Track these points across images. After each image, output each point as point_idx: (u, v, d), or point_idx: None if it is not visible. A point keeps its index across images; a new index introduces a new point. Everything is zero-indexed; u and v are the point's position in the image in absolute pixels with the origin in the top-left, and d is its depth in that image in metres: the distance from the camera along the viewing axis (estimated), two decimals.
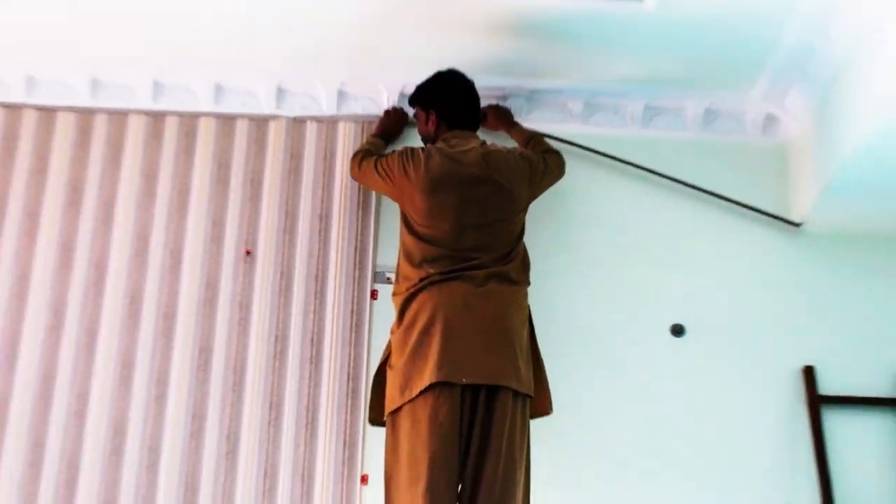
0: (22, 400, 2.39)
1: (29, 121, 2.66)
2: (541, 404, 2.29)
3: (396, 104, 2.61)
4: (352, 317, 2.50)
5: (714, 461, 2.43)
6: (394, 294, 2.33)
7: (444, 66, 2.43)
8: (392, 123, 2.59)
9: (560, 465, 2.38)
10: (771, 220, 2.62)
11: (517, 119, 2.62)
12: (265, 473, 2.36)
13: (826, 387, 2.46)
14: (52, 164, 2.62)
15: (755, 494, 2.41)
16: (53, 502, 2.31)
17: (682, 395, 2.48)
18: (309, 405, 2.43)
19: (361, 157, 2.47)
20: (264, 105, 2.62)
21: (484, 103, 2.56)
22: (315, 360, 2.47)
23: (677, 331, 2.49)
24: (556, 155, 2.50)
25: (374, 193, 2.57)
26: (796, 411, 2.45)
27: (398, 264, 2.34)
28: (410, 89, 2.50)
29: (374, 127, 2.62)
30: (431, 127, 2.45)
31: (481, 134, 2.49)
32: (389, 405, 2.20)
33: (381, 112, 2.64)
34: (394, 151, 2.40)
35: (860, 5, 2.10)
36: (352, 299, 2.52)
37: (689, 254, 2.62)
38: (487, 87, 2.56)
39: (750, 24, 2.30)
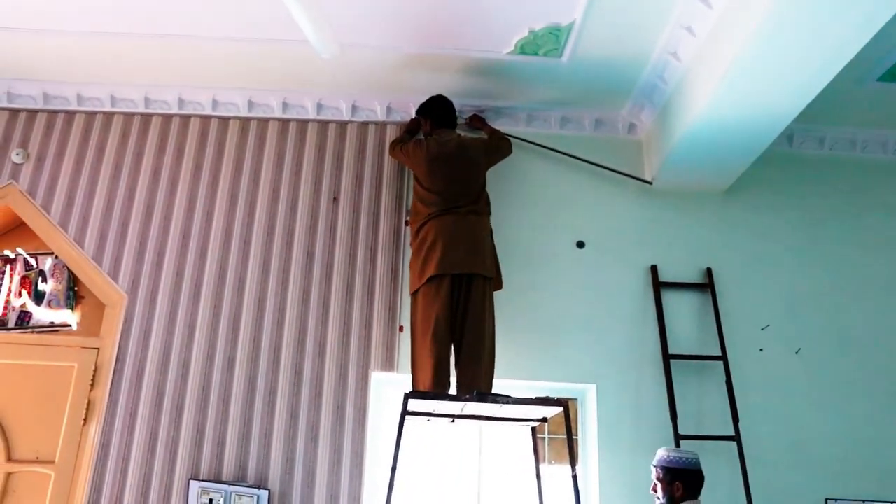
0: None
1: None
2: (497, 283, 3.73)
3: (414, 114, 4.19)
4: (394, 238, 4.09)
5: (601, 319, 3.99)
6: (411, 223, 3.79)
7: (437, 92, 4.01)
8: (413, 124, 4.16)
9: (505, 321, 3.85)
10: (634, 180, 4.21)
11: (488, 122, 4.25)
12: (343, 324, 3.93)
13: (664, 277, 4.08)
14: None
15: (625, 335, 3.96)
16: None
17: (581, 281, 4.07)
18: (367, 285, 4.01)
19: (396, 143, 4.07)
20: (345, 114, 4.25)
21: (468, 114, 4.21)
22: (372, 261, 4.05)
23: (580, 245, 4.16)
24: (507, 140, 4.03)
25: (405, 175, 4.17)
26: (647, 291, 4.07)
27: (413, 206, 3.81)
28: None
29: (404, 126, 4.22)
30: (427, 127, 4.02)
31: (465, 130, 4.11)
32: (412, 287, 3.64)
33: (408, 118, 4.23)
34: (412, 139, 4.01)
35: (680, 63, 3.67)
36: (393, 231, 4.11)
37: (586, 201, 4.19)
38: (468, 104, 4.21)
39: (621, 71, 3.90)
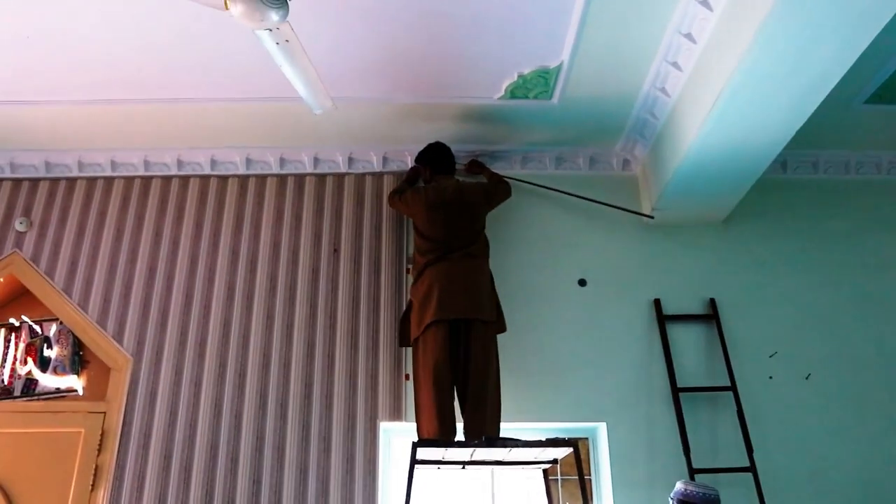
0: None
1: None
2: (500, 326, 3.72)
3: (412, 163, 4.24)
4: (396, 287, 4.11)
5: (607, 356, 3.97)
6: (411, 271, 3.85)
7: (432, 140, 4.07)
8: (412, 173, 4.20)
9: (510, 363, 3.87)
10: (632, 216, 4.23)
11: (486, 165, 4.27)
12: (349, 375, 3.92)
13: (667, 310, 4.08)
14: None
15: (633, 371, 3.94)
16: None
17: (584, 319, 4.07)
18: (371, 335, 4.00)
19: (395, 193, 4.10)
20: (342, 167, 4.31)
21: (466, 159, 4.25)
22: (375, 310, 4.06)
23: (582, 283, 4.17)
24: (505, 184, 4.07)
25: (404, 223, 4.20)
26: (652, 326, 4.07)
27: (413, 254, 3.85)
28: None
29: (402, 175, 4.27)
30: (426, 174, 4.09)
31: (464, 176, 4.16)
32: (413, 334, 3.63)
33: (405, 167, 4.29)
34: (411, 188, 4.07)
35: (669, 98, 3.72)
36: (395, 279, 4.13)
37: (585, 239, 4.22)
38: (464, 150, 4.26)
39: (612, 108, 3.95)
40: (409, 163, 4.25)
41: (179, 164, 4.35)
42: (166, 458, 3.77)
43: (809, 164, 4.45)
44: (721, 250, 4.26)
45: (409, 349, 3.82)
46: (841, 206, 4.40)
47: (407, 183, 4.13)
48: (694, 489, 3.02)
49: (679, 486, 3.07)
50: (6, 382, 4.07)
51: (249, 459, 3.77)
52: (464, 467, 3.45)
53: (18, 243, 4.21)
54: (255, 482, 3.73)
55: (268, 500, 3.69)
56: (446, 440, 3.20)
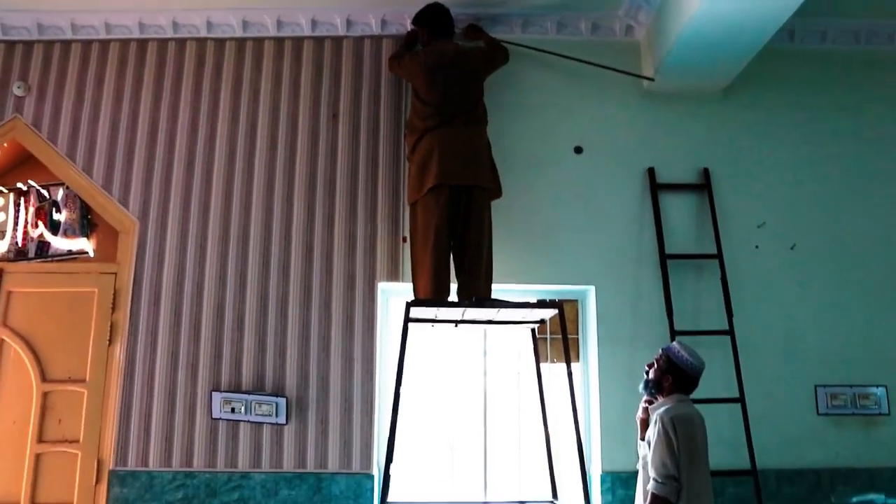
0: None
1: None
2: (496, 192, 3.79)
3: (410, 27, 4.14)
4: (394, 151, 4.15)
5: (599, 222, 4.06)
6: (407, 137, 3.84)
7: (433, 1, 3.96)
8: (410, 37, 4.12)
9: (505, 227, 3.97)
10: (632, 81, 4.19)
11: (485, 30, 4.16)
12: (348, 237, 4.05)
13: (661, 178, 4.13)
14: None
15: (623, 237, 4.05)
16: None
17: (579, 186, 4.12)
18: (370, 199, 4.10)
19: (394, 58, 4.05)
20: (340, 30, 4.24)
21: (465, 23, 4.15)
22: (373, 175, 4.14)
23: (578, 150, 4.20)
24: (504, 49, 4.00)
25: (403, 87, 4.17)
26: (645, 194, 4.14)
27: (410, 118, 3.82)
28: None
29: (401, 40, 4.19)
30: (424, 37, 4.01)
31: (462, 41, 4.07)
32: (411, 198, 3.69)
33: (405, 31, 4.20)
34: (409, 52, 4.02)
35: None
36: (393, 144, 4.16)
37: (583, 107, 4.21)
38: (464, 13, 4.14)
39: None
40: (408, 26, 4.16)
41: (175, 26, 4.28)
42: (176, 315, 3.98)
43: (818, 33, 4.34)
44: (718, 120, 4.26)
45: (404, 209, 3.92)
46: (846, 78, 4.34)
47: (405, 48, 4.07)
48: (683, 353, 3.07)
49: (675, 344, 3.15)
50: (20, 244, 4.23)
51: (254, 317, 3.97)
52: (456, 326, 3.63)
53: (18, 108, 4.24)
54: (260, 339, 3.96)
55: (273, 354, 3.93)
56: (441, 300, 3.35)
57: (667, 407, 3.02)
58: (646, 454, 3.03)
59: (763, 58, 3.99)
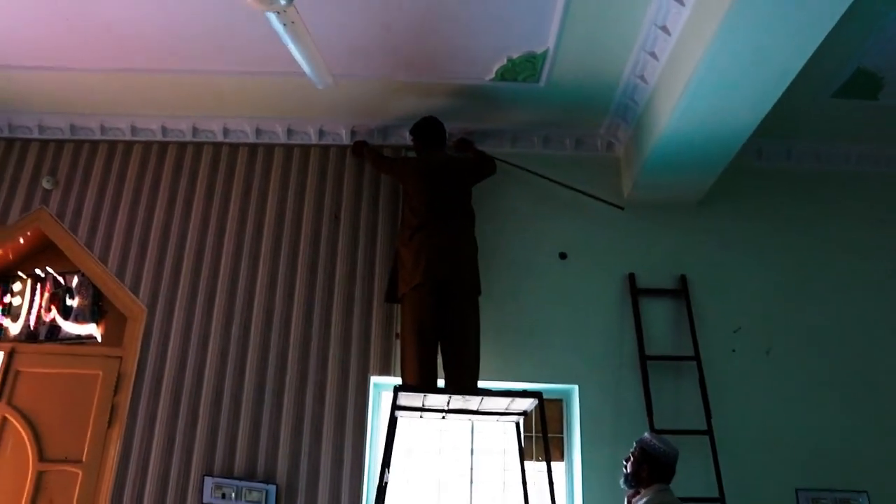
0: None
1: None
2: (478, 289, 3.91)
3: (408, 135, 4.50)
4: (390, 252, 4.40)
5: (582, 324, 4.27)
6: (400, 234, 4.04)
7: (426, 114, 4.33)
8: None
9: (492, 327, 4.20)
10: (615, 188, 4.54)
11: (475, 144, 4.55)
12: (343, 332, 4.25)
13: (641, 284, 4.36)
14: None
15: (605, 339, 4.24)
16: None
17: (563, 289, 4.35)
18: (366, 296, 4.33)
19: (382, 158, 4.38)
20: (345, 139, 4.64)
21: (457, 136, 4.54)
22: (370, 274, 4.38)
23: (563, 256, 4.45)
24: (491, 160, 4.34)
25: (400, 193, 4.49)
26: (626, 298, 4.35)
27: (403, 218, 4.07)
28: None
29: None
30: (418, 146, 4.33)
31: (452, 153, 4.43)
32: (401, 290, 3.83)
33: (404, 141, 4.58)
34: (403, 157, 4.37)
35: (647, 85, 3.99)
36: (390, 245, 4.44)
37: (567, 216, 4.48)
38: (456, 127, 4.50)
39: (595, 93, 4.22)
40: (407, 137, 4.54)
41: (194, 131, 4.69)
42: (175, 400, 4.14)
43: (783, 152, 4.73)
44: (695, 230, 4.55)
45: (398, 307, 4.11)
46: (810, 194, 4.69)
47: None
48: (655, 442, 3.22)
49: (647, 435, 3.29)
50: (32, 327, 4.44)
51: (251, 406, 4.12)
52: (443, 417, 3.76)
53: (45, 200, 4.58)
54: (255, 426, 4.09)
55: (266, 442, 4.05)
56: (428, 387, 3.51)
57: (647, 498, 3.12)
58: None
59: (735, 174, 4.35)
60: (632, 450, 3.28)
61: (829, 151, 4.72)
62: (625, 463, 3.27)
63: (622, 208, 4.45)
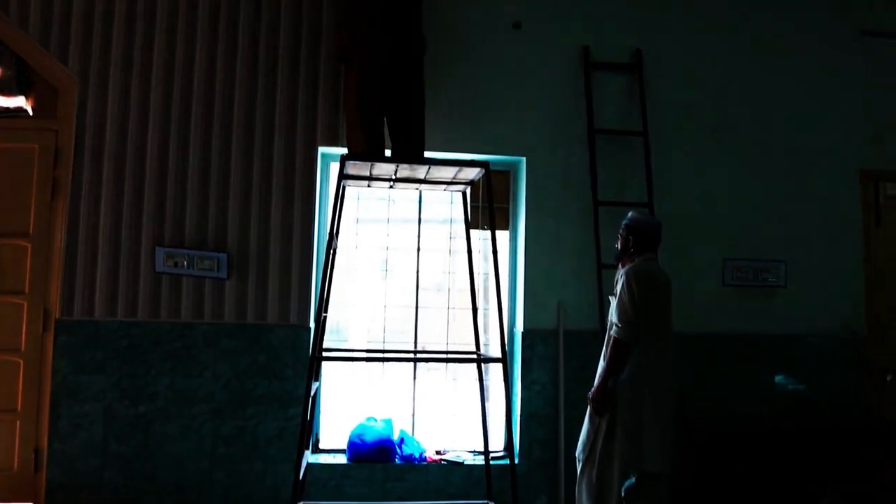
0: None
1: None
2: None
3: None
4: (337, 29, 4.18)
5: (533, 97, 4.22)
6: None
7: None
8: None
9: (442, 96, 4.16)
10: None
11: None
12: (290, 104, 4.13)
13: (594, 57, 4.26)
14: None
15: (556, 112, 4.22)
16: None
17: (515, 60, 4.23)
18: (312, 65, 4.17)
19: None
20: None
21: None
22: (315, 43, 4.18)
23: (517, 26, 4.24)
24: None
25: None
26: (578, 71, 4.27)
27: None
28: None
29: None
30: None
31: None
32: (348, 52, 3.57)
33: None
34: None
35: None
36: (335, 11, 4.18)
37: None
38: None
39: None
40: None
41: None
42: (119, 174, 4.06)
43: None
44: (653, 4, 4.39)
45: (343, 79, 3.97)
46: None
47: None
48: (637, 216, 3.49)
49: (629, 213, 3.53)
50: None
51: (197, 178, 4.09)
52: (392, 186, 3.80)
53: None
54: (203, 198, 4.08)
55: (214, 215, 4.07)
56: (375, 155, 3.49)
57: (633, 264, 3.36)
58: (612, 308, 3.35)
59: None
60: (619, 231, 3.48)
61: None
62: (616, 247, 3.52)
63: None
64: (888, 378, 4.39)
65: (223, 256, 4.02)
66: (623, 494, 3.34)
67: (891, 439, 4.05)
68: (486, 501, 3.82)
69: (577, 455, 3.43)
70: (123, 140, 4.08)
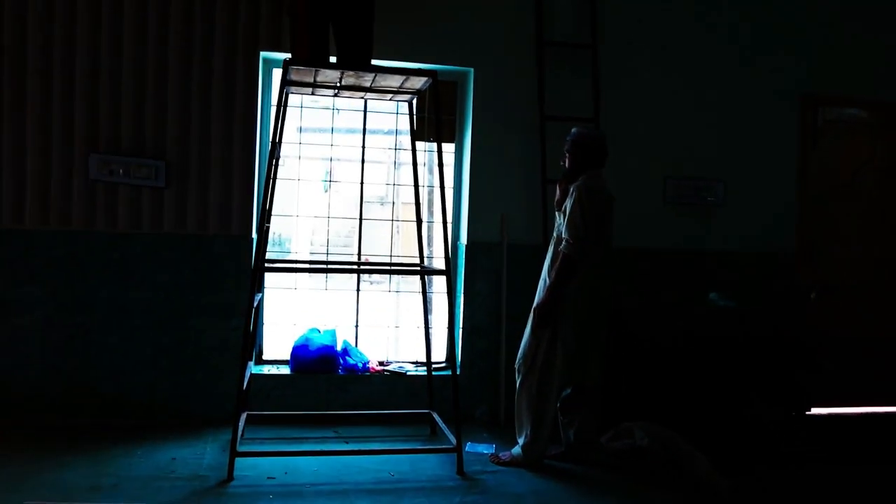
0: None
1: None
2: None
3: None
4: None
5: (483, 5, 4.13)
6: None
7: None
8: None
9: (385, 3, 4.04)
10: None
11: None
12: (230, 5, 3.95)
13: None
14: None
15: (504, 22, 4.14)
16: None
17: None
18: None
19: None
20: None
21: None
22: None
23: None
24: None
25: None
26: None
27: None
28: None
29: None
30: None
31: None
32: None
33: None
34: None
35: None
36: None
37: None
38: None
39: None
40: None
41: None
42: (45, 77, 3.81)
43: None
44: None
45: None
46: None
47: None
48: (581, 130, 3.49)
49: (574, 129, 3.51)
50: None
51: (132, 83, 3.88)
52: (336, 94, 3.69)
53: None
54: (138, 103, 3.90)
55: (151, 120, 3.90)
56: (318, 61, 3.37)
57: (582, 179, 3.36)
58: (560, 222, 3.36)
59: None
60: (565, 148, 3.45)
61: None
62: (563, 165, 3.48)
63: None
64: (812, 295, 4.59)
65: (161, 164, 3.89)
66: (559, 405, 3.48)
67: (806, 349, 4.33)
68: (427, 411, 3.93)
69: (516, 366, 3.52)
70: (50, 43, 3.82)
